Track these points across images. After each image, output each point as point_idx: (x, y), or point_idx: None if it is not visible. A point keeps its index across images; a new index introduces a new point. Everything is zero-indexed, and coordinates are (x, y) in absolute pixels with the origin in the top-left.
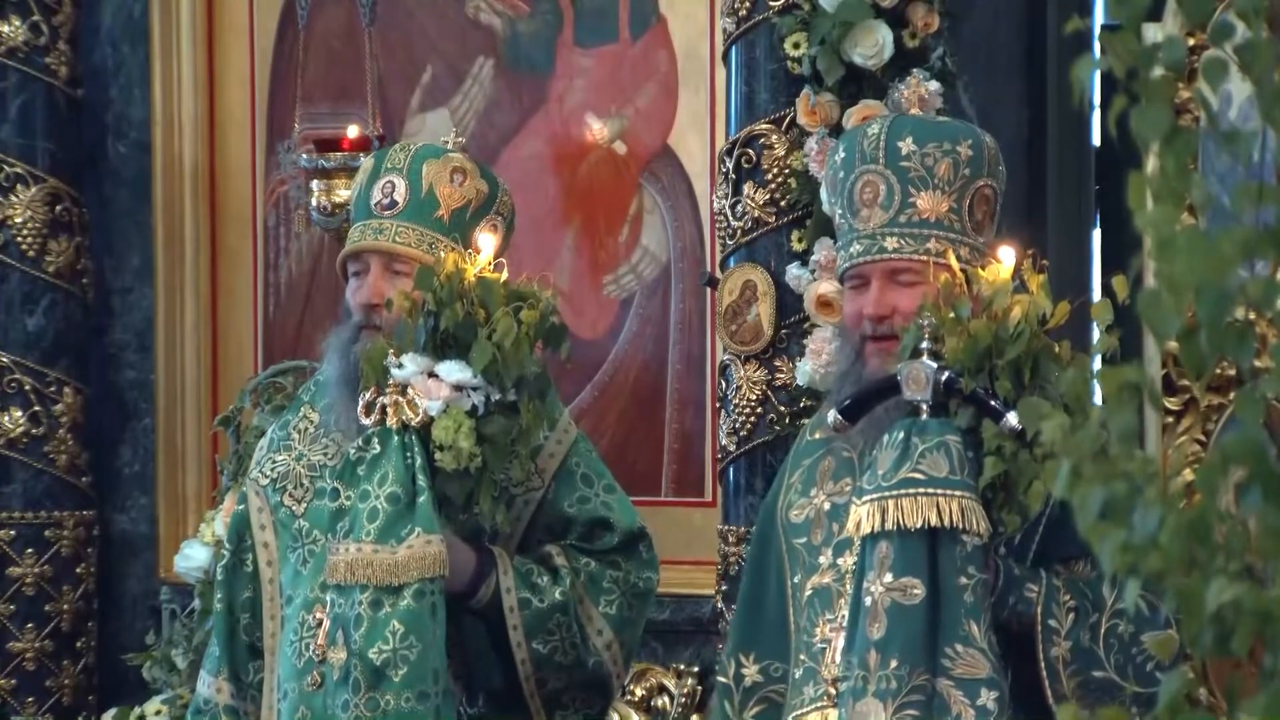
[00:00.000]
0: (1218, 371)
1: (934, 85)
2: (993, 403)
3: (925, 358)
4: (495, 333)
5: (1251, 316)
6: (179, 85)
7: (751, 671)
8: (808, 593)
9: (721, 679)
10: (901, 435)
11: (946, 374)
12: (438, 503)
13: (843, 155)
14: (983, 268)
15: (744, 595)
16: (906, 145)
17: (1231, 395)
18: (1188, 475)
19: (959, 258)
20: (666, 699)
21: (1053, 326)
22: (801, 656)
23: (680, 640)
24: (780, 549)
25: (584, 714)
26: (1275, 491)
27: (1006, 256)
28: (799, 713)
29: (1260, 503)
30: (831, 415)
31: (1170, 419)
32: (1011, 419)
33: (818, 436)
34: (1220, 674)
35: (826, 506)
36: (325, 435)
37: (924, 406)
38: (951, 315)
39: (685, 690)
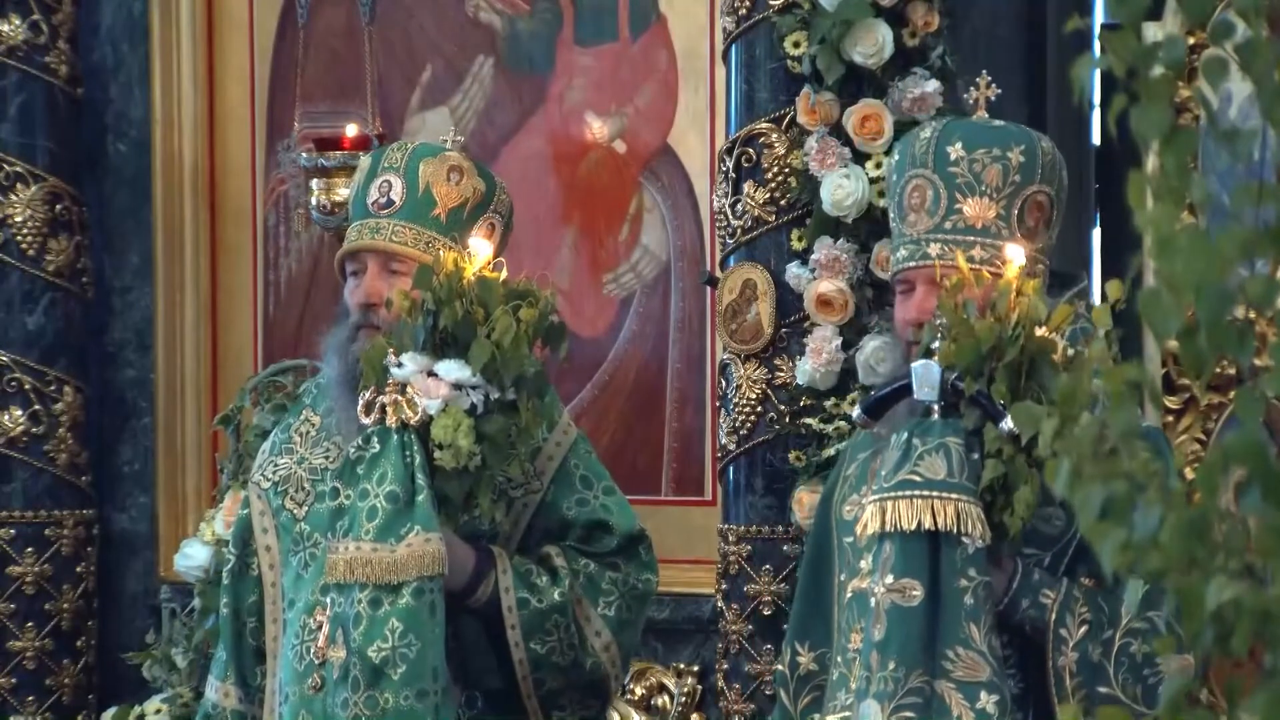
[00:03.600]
0: (1218, 370)
1: (933, 84)
2: (993, 405)
3: (936, 358)
4: (494, 331)
5: (1251, 315)
6: (179, 84)
7: (807, 660)
8: (849, 594)
9: (779, 666)
10: (905, 436)
11: (952, 376)
12: (437, 501)
13: (897, 158)
14: (1030, 274)
15: (803, 584)
16: (955, 150)
17: (1231, 394)
18: (1188, 474)
19: (1000, 263)
20: (666, 698)
21: (1052, 329)
22: (838, 659)
23: (680, 640)
24: (833, 542)
25: (581, 715)
26: (1275, 491)
27: (1015, 255)
28: (831, 718)
29: (1260, 502)
30: (856, 413)
31: (1170, 418)
32: (1009, 422)
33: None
34: (1220, 674)
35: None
36: (327, 439)
37: (935, 407)
38: (964, 317)
39: (685, 690)
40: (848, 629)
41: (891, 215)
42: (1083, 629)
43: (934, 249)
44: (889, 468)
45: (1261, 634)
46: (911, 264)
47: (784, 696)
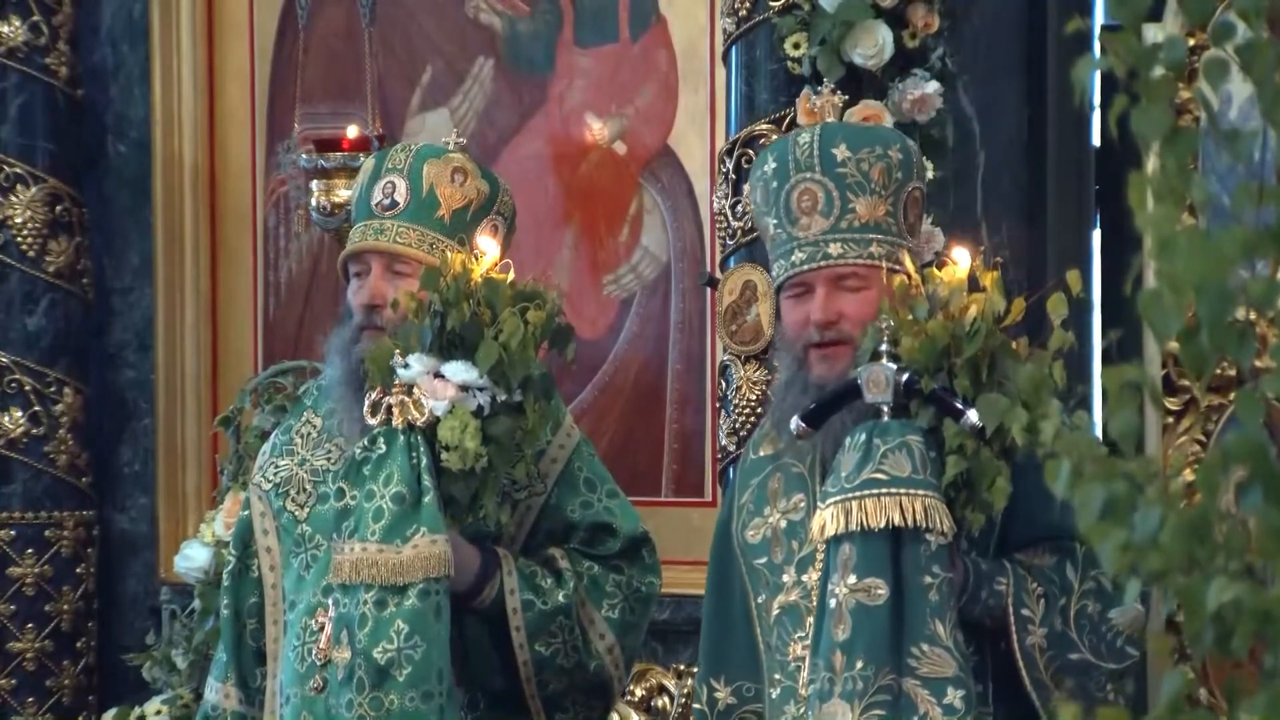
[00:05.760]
0: (1218, 371)
1: (933, 86)
2: (952, 401)
3: (885, 360)
4: (501, 333)
5: (1252, 316)
6: (179, 85)
7: (724, 695)
8: (775, 612)
9: (696, 705)
10: (863, 437)
11: (906, 375)
12: (443, 503)
13: (774, 165)
14: (939, 267)
15: (708, 619)
16: (841, 152)
17: (1231, 395)
18: (1188, 475)
19: (898, 260)
20: (666, 699)
21: (1009, 323)
22: (777, 676)
23: (680, 640)
24: (740, 570)
25: (584, 717)
26: (1276, 491)
27: (961, 257)
28: None
29: (1260, 502)
30: (794, 422)
31: (1170, 419)
32: (972, 416)
33: (763, 454)
34: (1220, 674)
35: (783, 524)
36: (328, 440)
37: (885, 409)
38: (909, 317)
39: (685, 690)
40: (782, 644)
41: (773, 223)
42: (1042, 603)
43: (834, 248)
44: (849, 469)
45: (1262, 634)
46: (812, 265)
47: None
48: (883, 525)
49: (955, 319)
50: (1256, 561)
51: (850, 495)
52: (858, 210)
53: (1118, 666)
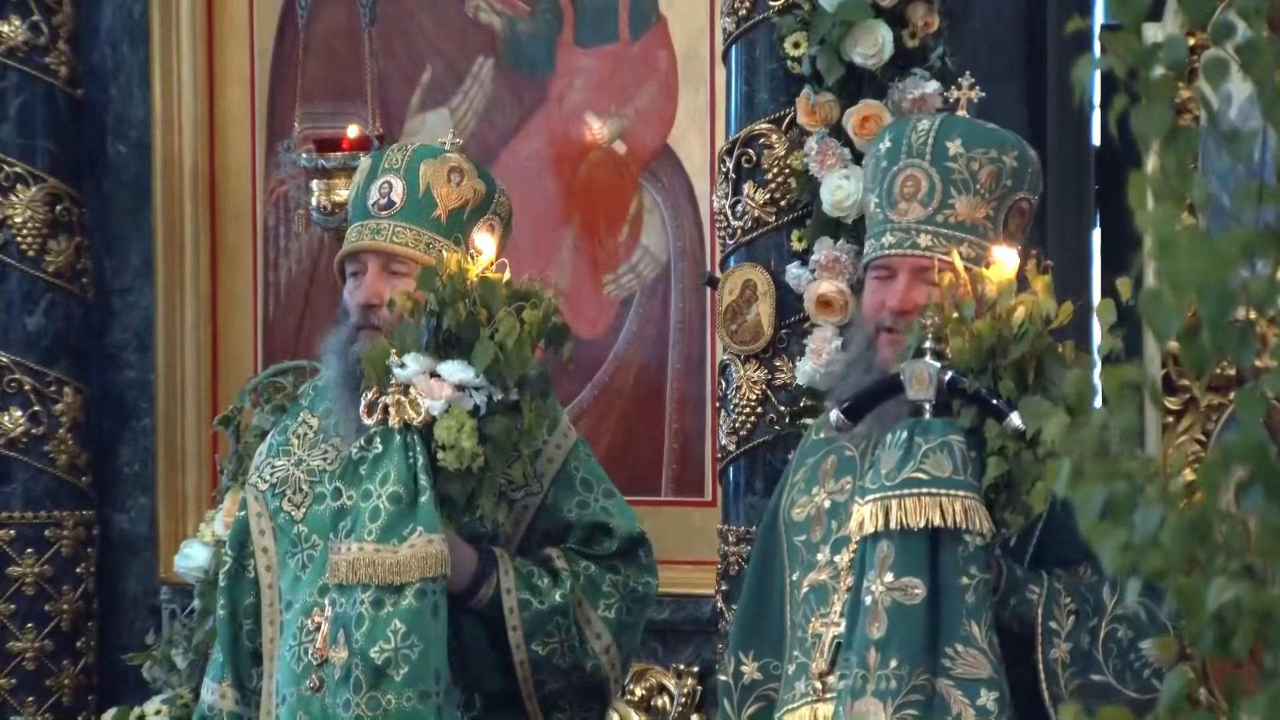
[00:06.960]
0: (1218, 371)
1: (933, 85)
2: (995, 402)
3: (928, 357)
4: (498, 332)
5: (1252, 316)
6: (179, 85)
7: (751, 669)
8: (805, 590)
9: (722, 676)
10: (905, 435)
11: (950, 374)
12: (439, 502)
13: (888, 145)
14: (986, 266)
15: (747, 594)
16: (955, 146)
17: (1231, 395)
18: (1188, 475)
19: (985, 263)
20: (666, 699)
21: (1057, 326)
22: (795, 652)
23: (680, 640)
24: (782, 548)
25: (581, 717)
26: (1276, 491)
27: (1008, 257)
28: (790, 708)
29: (1261, 502)
30: (834, 415)
31: (1170, 419)
32: (1014, 419)
33: (822, 436)
34: (1220, 674)
35: (826, 504)
36: (325, 440)
37: (927, 406)
38: (955, 315)
39: (685, 690)
40: (804, 621)
41: (874, 201)
42: (1071, 620)
43: (924, 239)
44: (889, 467)
45: (1262, 634)
46: (899, 250)
47: (727, 706)
48: (922, 525)
49: (1002, 319)
50: (1256, 561)
51: (890, 494)
52: (956, 208)
53: (1141, 697)
